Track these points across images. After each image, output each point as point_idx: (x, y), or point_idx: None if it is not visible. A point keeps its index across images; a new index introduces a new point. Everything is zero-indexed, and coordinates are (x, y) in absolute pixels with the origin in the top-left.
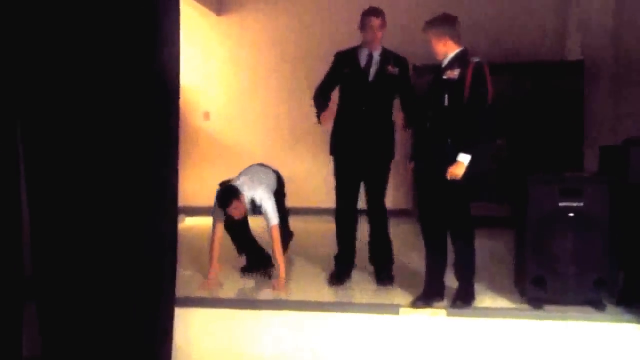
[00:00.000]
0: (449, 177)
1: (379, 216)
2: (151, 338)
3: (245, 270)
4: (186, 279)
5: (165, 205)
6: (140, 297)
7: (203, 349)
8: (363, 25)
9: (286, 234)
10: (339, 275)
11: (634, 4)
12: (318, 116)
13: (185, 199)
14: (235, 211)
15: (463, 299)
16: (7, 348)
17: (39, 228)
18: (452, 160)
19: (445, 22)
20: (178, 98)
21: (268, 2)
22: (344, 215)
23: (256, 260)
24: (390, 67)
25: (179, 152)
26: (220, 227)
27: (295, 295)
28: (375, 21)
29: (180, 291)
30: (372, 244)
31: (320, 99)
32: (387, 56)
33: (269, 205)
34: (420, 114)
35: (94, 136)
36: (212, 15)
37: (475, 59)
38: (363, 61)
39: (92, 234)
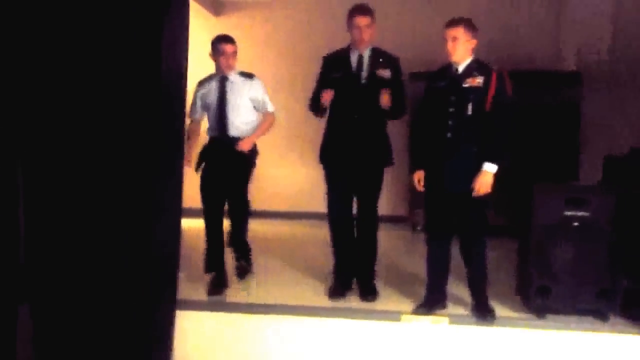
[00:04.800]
0: (477, 193)
1: (368, 225)
2: (149, 342)
3: (215, 287)
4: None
5: (169, 208)
6: (140, 300)
7: (202, 352)
8: (350, 25)
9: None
10: (339, 288)
11: (631, 14)
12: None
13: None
14: (225, 60)
15: (489, 310)
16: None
17: (34, 229)
18: (479, 169)
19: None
20: (184, 101)
21: (265, 3)
22: (338, 225)
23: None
24: (381, 71)
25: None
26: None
27: (295, 300)
28: (363, 20)
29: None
30: (358, 253)
31: (316, 111)
32: (378, 57)
33: (266, 96)
34: (436, 123)
35: (98, 138)
36: (210, 17)
37: (495, 67)
38: (354, 64)
39: (92, 237)
